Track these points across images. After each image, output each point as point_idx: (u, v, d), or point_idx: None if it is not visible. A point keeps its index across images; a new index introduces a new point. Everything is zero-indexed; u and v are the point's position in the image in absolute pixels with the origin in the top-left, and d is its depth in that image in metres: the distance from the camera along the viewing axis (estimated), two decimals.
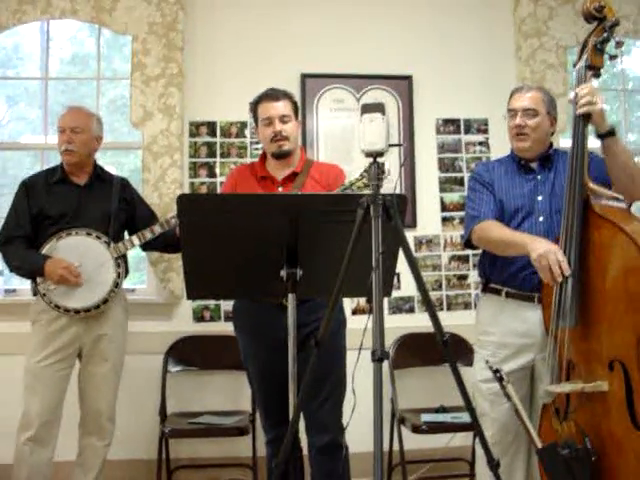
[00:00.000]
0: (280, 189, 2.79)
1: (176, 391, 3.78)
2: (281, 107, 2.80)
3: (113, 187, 3.22)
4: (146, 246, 3.27)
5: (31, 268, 3.03)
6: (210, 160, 3.93)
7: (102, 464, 3.14)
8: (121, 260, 3.12)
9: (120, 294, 3.17)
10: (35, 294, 3.08)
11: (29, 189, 3.14)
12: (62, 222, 3.06)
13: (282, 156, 2.81)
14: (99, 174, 3.24)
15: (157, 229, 3.12)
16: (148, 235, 3.12)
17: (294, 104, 2.87)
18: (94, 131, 3.20)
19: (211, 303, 3.87)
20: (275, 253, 2.08)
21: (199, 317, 3.88)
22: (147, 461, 3.68)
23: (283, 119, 2.79)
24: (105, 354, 3.10)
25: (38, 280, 3.02)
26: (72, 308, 3.01)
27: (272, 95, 2.83)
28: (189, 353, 3.79)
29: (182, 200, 2.04)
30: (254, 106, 2.88)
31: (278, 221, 2.04)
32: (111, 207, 3.16)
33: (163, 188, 3.75)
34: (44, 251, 3.02)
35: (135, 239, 3.13)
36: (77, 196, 3.13)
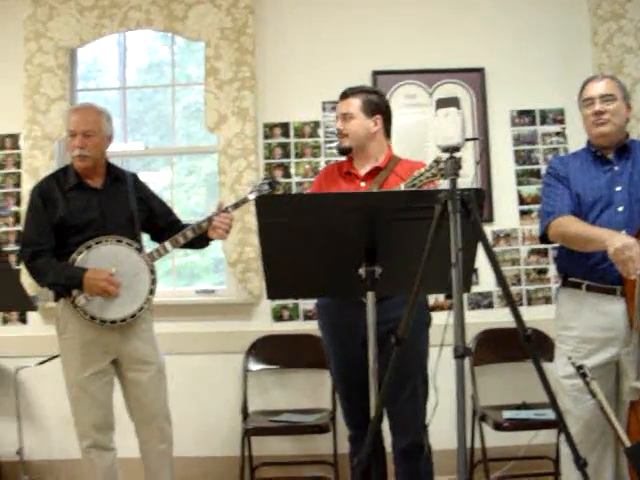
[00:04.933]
0: (362, 184, 2.80)
1: (257, 389, 3.84)
2: (344, 105, 2.82)
3: (129, 187, 3.08)
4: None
5: (69, 282, 2.86)
6: (285, 161, 3.97)
7: (170, 466, 3.06)
8: (153, 267, 3.01)
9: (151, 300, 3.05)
10: (57, 300, 2.99)
11: (45, 197, 2.95)
12: (88, 230, 2.92)
13: (343, 152, 2.84)
14: (113, 175, 3.08)
15: (189, 234, 2.99)
16: (181, 240, 2.99)
17: (367, 101, 2.83)
18: (106, 131, 3.02)
19: (290, 302, 3.90)
20: (353, 251, 2.09)
21: (278, 316, 3.92)
22: (229, 458, 3.74)
23: (344, 116, 2.81)
24: (145, 358, 3.00)
25: (73, 292, 2.87)
26: (109, 319, 2.89)
27: (343, 94, 2.85)
28: (269, 352, 3.83)
29: (261, 202, 2.07)
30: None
31: (356, 219, 2.04)
32: (132, 209, 3.04)
33: (239, 190, 3.79)
34: (77, 263, 2.87)
35: (169, 245, 3.00)
36: (97, 201, 2.98)
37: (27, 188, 3.94)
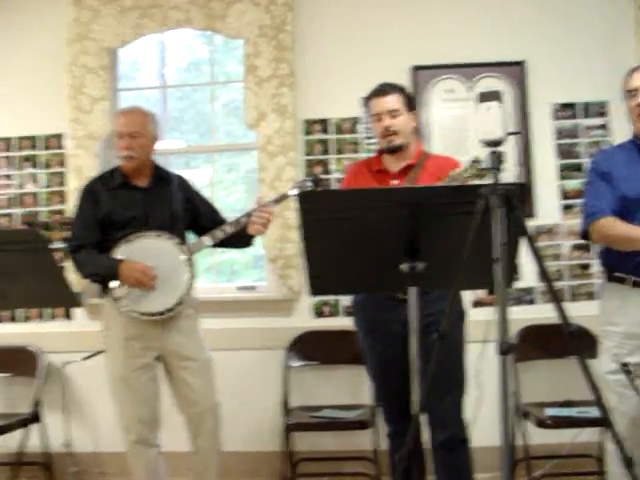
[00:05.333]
0: (394, 182, 2.79)
1: (298, 385, 3.86)
2: (389, 102, 2.78)
3: (174, 187, 3.16)
4: (216, 244, 3.16)
5: (106, 273, 2.95)
6: (324, 157, 3.98)
7: (217, 458, 3.11)
8: (191, 261, 3.04)
9: (191, 294, 3.09)
10: (102, 297, 3.07)
11: (93, 195, 3.07)
12: (130, 227, 3.00)
13: (393, 151, 2.80)
14: (159, 175, 3.16)
15: (228, 229, 3.04)
16: (219, 234, 3.04)
17: (406, 97, 2.83)
18: (152, 132, 3.11)
19: (330, 298, 3.91)
20: (395, 247, 2.09)
21: (319, 312, 3.94)
22: (270, 453, 3.77)
23: (392, 114, 2.77)
24: (189, 355, 3.04)
25: (111, 284, 2.96)
26: (147, 312, 2.94)
27: (380, 90, 2.82)
28: (310, 348, 3.85)
29: (304, 197, 2.08)
30: (366, 102, 2.89)
31: (398, 214, 2.04)
32: (176, 208, 3.11)
33: (280, 187, 3.80)
34: (117, 255, 2.96)
35: (207, 239, 3.05)
36: (142, 200, 3.06)
37: (72, 187, 4.04)
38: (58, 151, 4.15)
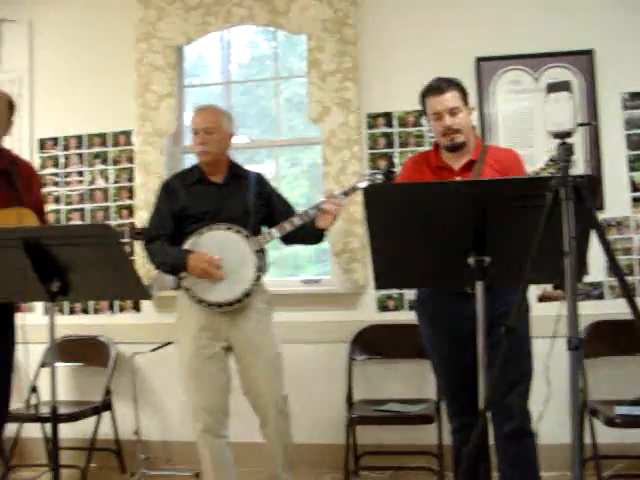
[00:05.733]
0: (458, 179, 2.74)
1: (362, 379, 3.87)
2: (448, 100, 2.71)
3: (249, 183, 3.22)
4: (287, 239, 3.24)
5: (174, 263, 3.06)
6: (388, 150, 3.97)
7: (285, 449, 3.15)
8: (262, 253, 3.11)
9: (262, 287, 3.17)
10: (177, 288, 3.16)
11: (169, 190, 3.20)
12: (204, 220, 3.09)
13: (456, 149, 2.75)
14: (235, 171, 3.25)
15: (296, 221, 3.09)
16: (287, 227, 3.09)
17: (463, 92, 2.77)
18: (226, 129, 3.20)
19: (395, 292, 3.91)
20: (462, 240, 2.06)
21: (383, 306, 3.94)
22: (334, 446, 3.80)
23: (452, 111, 2.70)
24: (254, 347, 3.09)
25: (181, 275, 3.06)
26: (215, 302, 3.02)
27: (437, 88, 2.74)
28: (374, 342, 3.86)
29: (370, 191, 2.07)
30: (422, 99, 2.82)
31: (466, 208, 2.02)
32: (249, 203, 3.17)
33: (344, 181, 3.82)
34: (186, 246, 3.06)
35: (275, 231, 3.11)
36: (216, 194, 3.16)
37: (139, 182, 4.14)
38: (126, 147, 4.27)
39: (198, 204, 3.13)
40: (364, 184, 3.03)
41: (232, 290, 3.03)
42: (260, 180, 3.30)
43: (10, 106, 3.02)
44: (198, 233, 3.07)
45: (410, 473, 3.73)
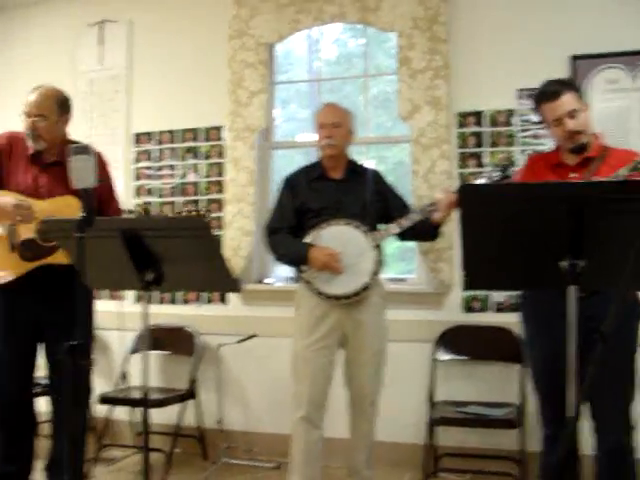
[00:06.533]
0: (573, 175, 2.67)
1: (444, 379, 3.84)
2: (566, 103, 2.62)
3: (367, 180, 3.29)
4: (403, 235, 3.25)
5: (296, 255, 3.16)
6: (478, 150, 3.91)
7: (369, 445, 3.21)
8: (379, 249, 3.16)
9: (378, 282, 3.21)
10: (297, 281, 3.26)
11: (292, 185, 3.31)
12: (323, 214, 3.17)
13: (582, 150, 2.67)
14: (353, 168, 3.33)
15: (414, 216, 3.11)
16: (405, 223, 3.12)
17: (576, 90, 2.68)
18: (350, 126, 3.31)
19: (481, 293, 3.86)
20: (557, 243, 2.01)
21: (469, 307, 3.89)
22: (414, 446, 3.79)
23: (571, 114, 2.62)
24: (365, 341, 3.16)
25: (302, 267, 3.14)
26: (333, 295, 3.10)
27: (553, 93, 2.64)
28: (458, 342, 3.82)
29: (465, 190, 2.05)
30: (536, 105, 2.73)
31: (561, 210, 1.97)
32: (367, 199, 3.23)
33: (433, 179, 3.81)
34: (307, 240, 3.15)
35: (393, 227, 3.15)
36: (335, 190, 3.24)
37: (229, 177, 4.23)
38: (217, 142, 4.37)
39: (318, 199, 3.23)
40: (482, 181, 3.00)
41: (351, 283, 3.10)
42: (377, 177, 3.36)
43: (61, 104, 3.08)
44: (319, 227, 3.15)
45: (490, 477, 3.66)
